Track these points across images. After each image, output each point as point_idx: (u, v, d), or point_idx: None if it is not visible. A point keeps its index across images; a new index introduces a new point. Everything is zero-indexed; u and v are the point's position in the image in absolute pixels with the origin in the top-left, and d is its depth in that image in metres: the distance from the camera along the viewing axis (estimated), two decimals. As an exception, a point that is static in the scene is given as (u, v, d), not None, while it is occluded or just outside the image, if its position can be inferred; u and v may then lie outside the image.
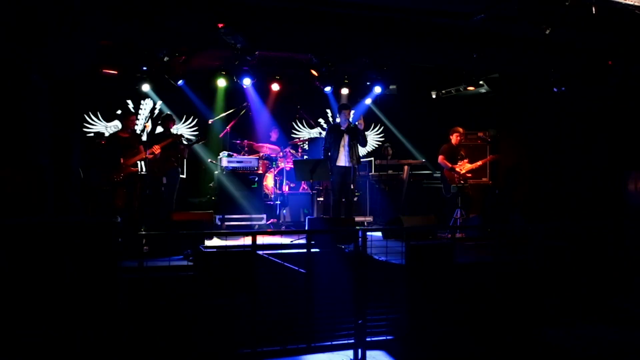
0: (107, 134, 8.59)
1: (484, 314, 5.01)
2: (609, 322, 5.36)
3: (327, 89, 9.19)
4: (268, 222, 8.16)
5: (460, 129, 8.33)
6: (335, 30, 7.25)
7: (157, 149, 7.25)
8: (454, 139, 8.27)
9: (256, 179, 8.20)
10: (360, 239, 4.70)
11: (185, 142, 8.13)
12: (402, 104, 10.48)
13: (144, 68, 8.53)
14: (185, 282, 4.55)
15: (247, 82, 8.99)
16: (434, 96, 10.16)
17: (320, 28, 7.18)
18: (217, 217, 7.96)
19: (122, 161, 7.05)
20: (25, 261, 4.09)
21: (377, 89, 9.58)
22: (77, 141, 8.43)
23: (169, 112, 8.40)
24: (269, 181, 8.38)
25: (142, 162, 7.83)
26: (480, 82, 9.27)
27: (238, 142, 8.73)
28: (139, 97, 9.21)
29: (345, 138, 7.49)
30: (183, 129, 9.51)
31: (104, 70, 8.45)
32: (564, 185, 8.72)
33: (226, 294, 4.43)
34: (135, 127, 8.95)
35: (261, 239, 6.38)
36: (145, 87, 8.80)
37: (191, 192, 9.14)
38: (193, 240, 5.54)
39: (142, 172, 8.06)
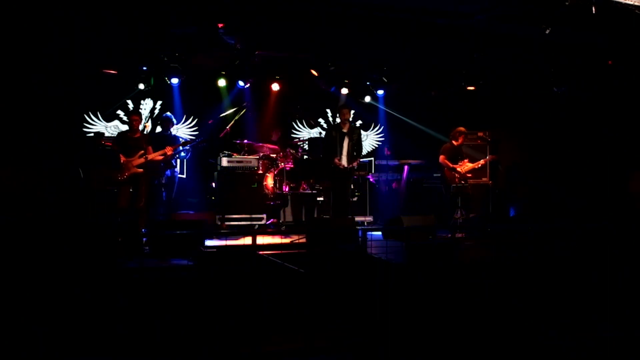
0: (107, 134, 8.58)
1: (485, 314, 5.01)
2: (611, 322, 5.35)
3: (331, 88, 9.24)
4: (268, 222, 8.16)
5: (464, 130, 8.32)
6: (335, 30, 7.25)
7: (169, 150, 7.31)
8: (458, 139, 8.24)
9: (256, 179, 8.20)
10: (360, 239, 4.70)
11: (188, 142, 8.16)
12: (402, 103, 10.48)
13: (144, 68, 8.54)
14: (185, 282, 4.55)
15: (246, 82, 9.01)
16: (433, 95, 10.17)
17: (320, 28, 7.18)
18: (217, 217, 7.95)
19: (122, 160, 7.03)
20: (26, 260, 4.10)
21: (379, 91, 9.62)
22: (77, 141, 8.46)
23: (168, 114, 8.42)
24: (269, 181, 8.38)
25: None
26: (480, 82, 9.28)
27: (238, 142, 8.72)
28: (139, 97, 9.20)
29: (347, 139, 7.52)
30: (183, 128, 9.51)
31: (104, 70, 8.45)
32: (565, 185, 8.72)
33: (226, 295, 4.44)
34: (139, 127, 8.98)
35: (261, 239, 6.40)
36: (145, 87, 8.81)
37: (191, 192, 9.14)
38: (193, 240, 5.54)
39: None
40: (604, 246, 5.66)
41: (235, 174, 8.14)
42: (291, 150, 8.63)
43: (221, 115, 9.13)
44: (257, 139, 8.94)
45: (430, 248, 5.12)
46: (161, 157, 7.31)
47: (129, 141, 7.24)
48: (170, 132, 8.31)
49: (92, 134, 8.70)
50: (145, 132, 8.60)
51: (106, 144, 7.50)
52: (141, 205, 7.10)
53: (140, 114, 7.61)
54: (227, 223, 7.91)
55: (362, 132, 8.14)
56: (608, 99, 8.21)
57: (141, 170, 7.11)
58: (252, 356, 4.33)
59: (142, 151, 7.15)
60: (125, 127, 8.77)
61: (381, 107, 10.46)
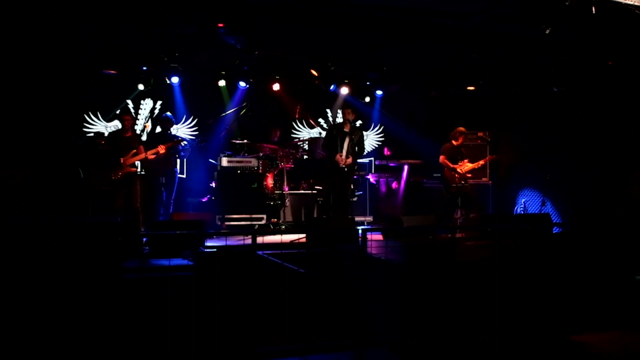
0: (107, 134, 8.60)
1: (485, 314, 5.00)
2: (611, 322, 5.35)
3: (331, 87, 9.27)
4: (268, 222, 8.17)
5: (464, 130, 8.32)
6: (335, 30, 7.25)
7: (162, 149, 7.31)
8: (459, 139, 8.24)
9: (256, 178, 8.21)
10: (360, 239, 4.69)
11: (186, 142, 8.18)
12: (402, 103, 10.48)
13: (144, 68, 8.54)
14: (185, 282, 4.55)
15: (246, 82, 9.02)
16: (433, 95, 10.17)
17: (321, 28, 7.19)
18: (217, 217, 7.96)
19: (121, 160, 7.05)
20: (25, 261, 4.10)
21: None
22: (77, 141, 8.47)
23: (168, 114, 8.43)
24: (269, 181, 8.38)
25: (140, 162, 7.81)
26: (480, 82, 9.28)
27: (238, 142, 8.73)
28: (139, 97, 9.20)
29: (347, 138, 7.53)
30: (183, 129, 9.50)
31: (104, 70, 8.45)
32: (565, 185, 8.71)
33: (226, 295, 4.43)
34: (136, 127, 8.99)
35: (261, 239, 6.40)
36: (145, 87, 8.81)
37: (191, 192, 9.14)
38: (193, 240, 5.54)
39: (141, 172, 8.06)
40: (604, 246, 5.66)
41: (235, 174, 8.15)
42: (291, 150, 8.63)
43: (221, 115, 9.13)
44: (257, 139, 8.95)
45: (430, 248, 5.11)
46: (153, 157, 7.32)
47: (121, 140, 7.26)
48: (170, 132, 8.30)
49: (92, 134, 8.70)
50: (145, 132, 8.63)
51: (101, 142, 7.50)
52: (137, 205, 7.11)
53: (132, 114, 7.63)
54: (227, 223, 7.92)
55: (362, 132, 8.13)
56: (608, 99, 8.20)
57: (134, 169, 7.15)
58: (252, 356, 4.33)
59: (135, 150, 7.19)
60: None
61: (380, 107, 10.46)
